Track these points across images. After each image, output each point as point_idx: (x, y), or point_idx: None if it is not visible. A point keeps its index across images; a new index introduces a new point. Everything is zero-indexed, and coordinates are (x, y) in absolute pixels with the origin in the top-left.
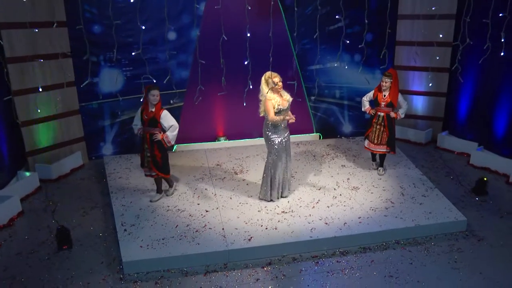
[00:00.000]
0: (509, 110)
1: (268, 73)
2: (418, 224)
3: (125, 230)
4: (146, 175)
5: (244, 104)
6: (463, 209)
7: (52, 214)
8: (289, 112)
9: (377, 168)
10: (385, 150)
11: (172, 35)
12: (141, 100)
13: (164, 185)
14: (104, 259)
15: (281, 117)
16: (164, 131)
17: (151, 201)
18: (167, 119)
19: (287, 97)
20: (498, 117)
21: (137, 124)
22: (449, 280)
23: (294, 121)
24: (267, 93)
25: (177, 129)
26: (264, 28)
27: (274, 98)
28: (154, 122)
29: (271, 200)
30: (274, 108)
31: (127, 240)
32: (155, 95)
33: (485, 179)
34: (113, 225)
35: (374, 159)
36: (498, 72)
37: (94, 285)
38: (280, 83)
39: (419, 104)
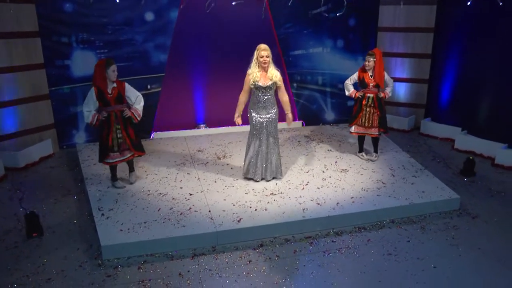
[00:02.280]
0: (491, 95)
1: (259, 45)
2: (412, 202)
3: (102, 214)
4: (117, 162)
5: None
6: (454, 189)
7: (20, 202)
8: (289, 117)
9: (366, 154)
10: (377, 133)
11: (149, 16)
12: (92, 81)
13: (125, 173)
14: (80, 246)
15: (239, 108)
16: (129, 106)
17: (131, 183)
18: (132, 90)
19: (274, 76)
20: (481, 102)
21: (90, 110)
22: (449, 256)
23: (239, 124)
24: (252, 65)
25: (143, 100)
26: (246, 10)
27: (253, 73)
28: (120, 98)
29: (249, 179)
30: (249, 83)
31: (105, 224)
32: (115, 70)
33: (471, 158)
34: (88, 211)
35: (361, 149)
36: (479, 56)
37: (70, 273)
38: (267, 58)
39: (402, 91)
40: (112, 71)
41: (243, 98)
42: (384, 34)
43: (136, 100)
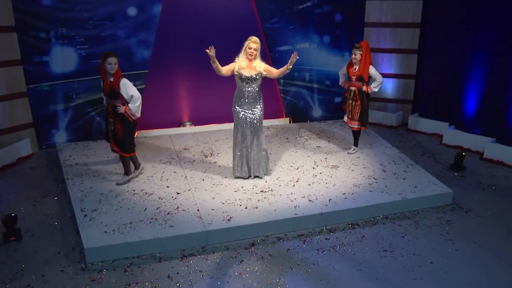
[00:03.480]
0: (477, 89)
1: (251, 36)
2: (405, 197)
3: (85, 215)
4: (112, 151)
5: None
6: (445, 184)
7: None
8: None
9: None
10: (356, 126)
11: (132, 11)
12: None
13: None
14: (61, 249)
15: (215, 63)
16: (124, 103)
17: (117, 183)
18: (125, 88)
19: (258, 66)
20: (468, 97)
21: (103, 97)
22: (445, 251)
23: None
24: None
25: (140, 100)
26: (232, 6)
27: (239, 61)
28: (114, 94)
29: (239, 177)
30: (234, 70)
31: (89, 225)
32: (111, 63)
33: (463, 153)
34: (70, 213)
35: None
36: (466, 51)
37: (51, 278)
38: (254, 51)
39: (389, 86)
40: (109, 64)
41: (222, 69)
42: (370, 30)
43: (132, 99)
